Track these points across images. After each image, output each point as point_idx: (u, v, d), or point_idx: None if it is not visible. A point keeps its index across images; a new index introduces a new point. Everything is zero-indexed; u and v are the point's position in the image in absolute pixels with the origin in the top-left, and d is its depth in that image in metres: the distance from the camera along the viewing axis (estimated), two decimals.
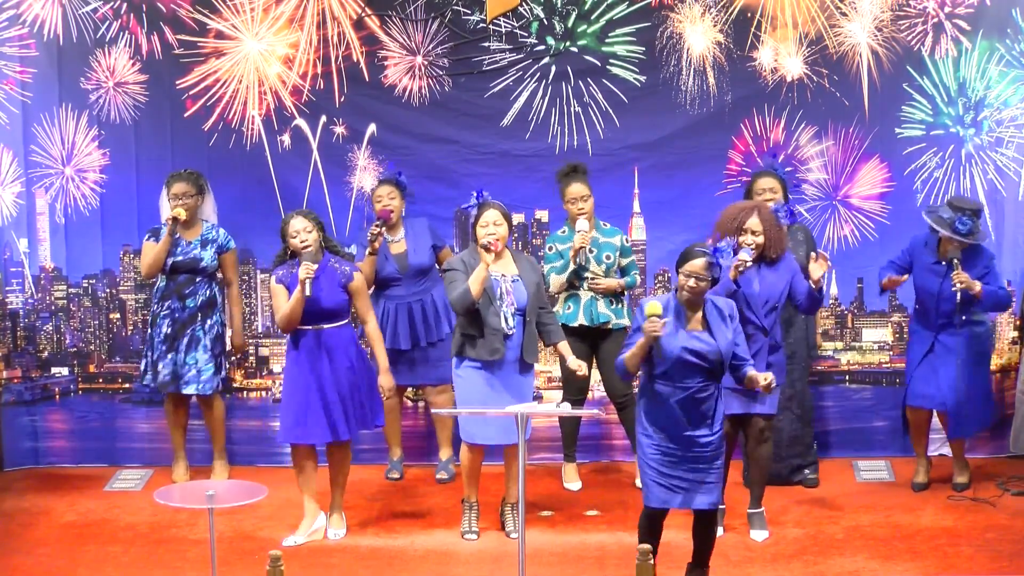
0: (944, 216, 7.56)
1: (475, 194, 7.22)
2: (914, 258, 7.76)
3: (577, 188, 7.82)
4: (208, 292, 8.05)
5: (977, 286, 7.52)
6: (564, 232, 7.93)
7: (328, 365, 7.18)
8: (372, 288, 8.10)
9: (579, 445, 8.24)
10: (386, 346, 8.02)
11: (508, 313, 7.12)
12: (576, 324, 7.84)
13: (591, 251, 7.82)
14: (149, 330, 8.12)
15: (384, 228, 7.97)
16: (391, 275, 8.04)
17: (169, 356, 8.02)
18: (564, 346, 7.29)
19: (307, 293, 7.03)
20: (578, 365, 7.16)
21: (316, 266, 7.11)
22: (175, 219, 7.89)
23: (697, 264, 6.18)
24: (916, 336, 7.84)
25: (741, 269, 6.98)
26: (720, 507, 7.25)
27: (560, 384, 8.28)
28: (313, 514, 7.35)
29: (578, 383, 7.89)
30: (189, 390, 8.04)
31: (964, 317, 7.66)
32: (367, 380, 7.31)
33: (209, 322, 8.05)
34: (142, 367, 8.15)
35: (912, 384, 7.80)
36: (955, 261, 7.51)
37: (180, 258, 7.97)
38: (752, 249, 7.04)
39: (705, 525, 6.43)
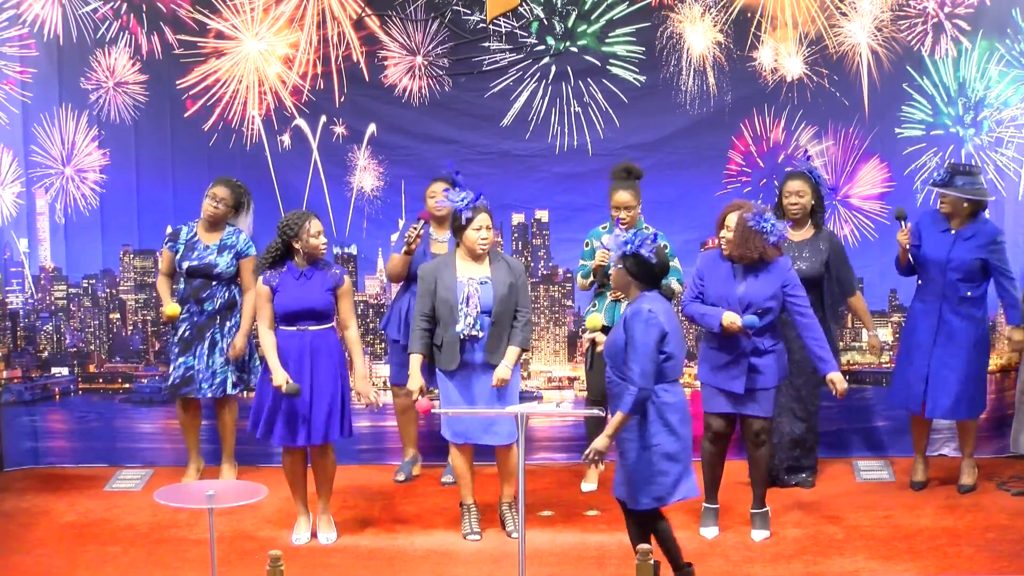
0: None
1: (470, 197, 7.07)
2: (923, 231, 7.72)
3: (622, 196, 7.61)
4: (227, 295, 7.97)
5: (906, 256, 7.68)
6: (605, 228, 7.77)
7: (311, 369, 7.10)
8: (401, 283, 8.02)
9: (579, 446, 8.22)
10: (401, 342, 7.98)
11: (471, 315, 7.08)
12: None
13: None
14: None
15: (425, 227, 7.86)
16: None
17: (181, 360, 7.96)
18: (511, 351, 7.12)
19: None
20: (498, 380, 7.02)
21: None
22: (169, 317, 7.89)
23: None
24: (916, 323, 7.75)
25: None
26: (714, 506, 7.28)
27: (560, 385, 8.25)
28: (304, 514, 7.36)
29: (600, 387, 7.82)
30: (206, 392, 7.99)
31: (970, 293, 7.62)
32: (346, 389, 7.22)
33: (228, 324, 7.98)
34: (169, 369, 8.08)
35: (920, 391, 7.74)
36: (903, 222, 7.61)
37: (195, 263, 7.90)
38: (724, 244, 7.01)
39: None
